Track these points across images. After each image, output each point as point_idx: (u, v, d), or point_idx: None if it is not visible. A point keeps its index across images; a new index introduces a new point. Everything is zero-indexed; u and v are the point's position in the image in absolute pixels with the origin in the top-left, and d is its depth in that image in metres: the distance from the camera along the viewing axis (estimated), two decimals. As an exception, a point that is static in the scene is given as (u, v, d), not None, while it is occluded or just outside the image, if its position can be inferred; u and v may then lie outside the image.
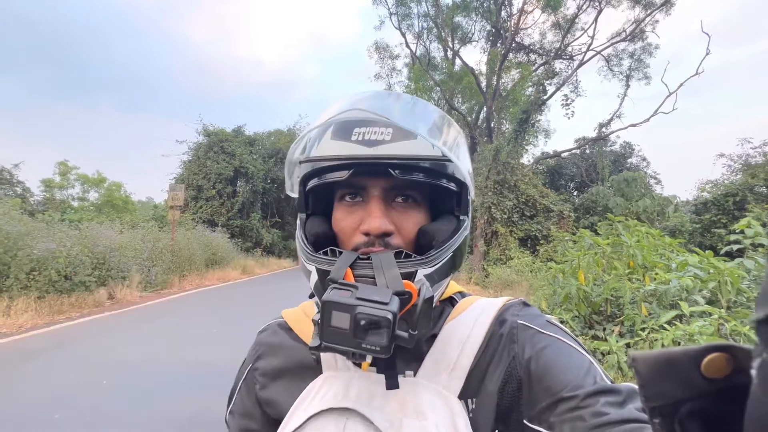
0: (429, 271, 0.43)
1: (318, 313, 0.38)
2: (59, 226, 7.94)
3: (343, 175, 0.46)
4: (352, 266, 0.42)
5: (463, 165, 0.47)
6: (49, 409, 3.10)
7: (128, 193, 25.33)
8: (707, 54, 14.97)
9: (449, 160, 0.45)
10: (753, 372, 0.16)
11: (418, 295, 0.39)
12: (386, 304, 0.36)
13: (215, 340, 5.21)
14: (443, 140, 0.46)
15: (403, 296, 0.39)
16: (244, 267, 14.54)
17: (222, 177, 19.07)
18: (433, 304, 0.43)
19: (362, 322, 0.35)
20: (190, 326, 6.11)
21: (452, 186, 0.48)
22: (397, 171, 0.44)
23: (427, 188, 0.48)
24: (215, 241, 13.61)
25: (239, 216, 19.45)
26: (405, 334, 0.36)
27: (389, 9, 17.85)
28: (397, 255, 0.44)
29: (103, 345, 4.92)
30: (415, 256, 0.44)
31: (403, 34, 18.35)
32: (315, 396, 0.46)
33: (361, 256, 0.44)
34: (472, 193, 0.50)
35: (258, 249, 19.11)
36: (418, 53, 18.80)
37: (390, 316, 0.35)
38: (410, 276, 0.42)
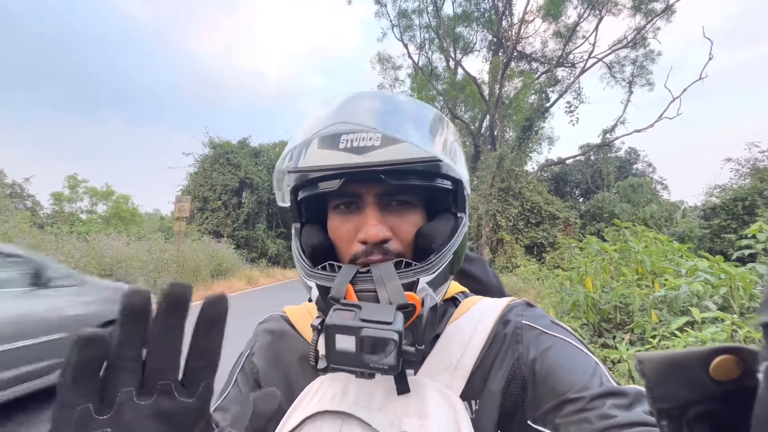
0: (431, 277, 0.43)
1: (319, 322, 0.38)
2: (68, 238, 8.05)
3: (334, 185, 0.45)
4: (352, 281, 0.42)
5: (456, 162, 0.46)
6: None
7: (135, 206, 25.70)
8: (710, 59, 14.99)
9: (441, 160, 0.44)
10: (760, 375, 0.16)
11: (423, 305, 0.39)
12: (390, 323, 0.35)
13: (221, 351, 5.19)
14: (434, 140, 0.45)
15: (407, 309, 0.38)
16: (250, 277, 14.55)
17: (227, 188, 19.27)
18: (437, 309, 0.42)
19: (368, 344, 0.35)
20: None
21: (447, 185, 0.47)
22: (389, 176, 0.43)
23: (423, 189, 0.47)
24: (221, 252, 13.67)
25: (244, 227, 19.57)
26: (412, 350, 0.36)
27: (391, 21, 18.17)
28: (398, 264, 0.43)
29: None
30: (415, 264, 0.43)
31: (406, 45, 18.64)
32: (312, 398, 0.45)
33: (360, 270, 0.43)
34: (468, 190, 0.50)
35: (263, 259, 19.16)
36: (420, 63, 19.05)
37: (396, 337, 0.34)
38: (412, 285, 0.41)
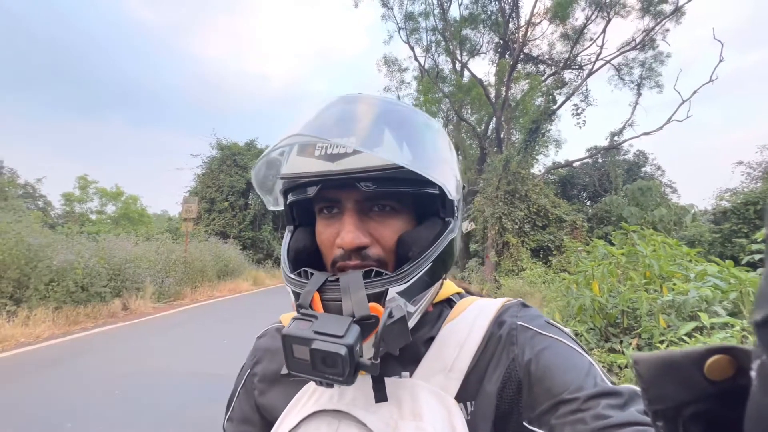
0: (402, 287, 0.42)
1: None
2: (78, 238, 8.17)
3: (311, 191, 0.45)
4: (321, 289, 0.42)
5: (436, 167, 0.44)
6: (62, 418, 3.14)
7: (144, 206, 26.03)
8: (720, 61, 14.77)
9: (403, 167, 0.42)
10: (752, 374, 0.16)
11: (389, 316, 0.39)
12: (341, 336, 0.36)
13: (226, 351, 5.23)
14: (413, 145, 0.43)
15: (369, 320, 0.38)
16: (255, 278, 14.64)
17: (234, 189, 19.43)
18: (410, 321, 0.42)
19: (318, 356, 0.36)
20: (202, 337, 6.15)
21: (429, 189, 0.46)
22: (364, 183, 0.43)
23: (406, 195, 0.47)
24: (227, 253, 13.77)
25: (251, 228, 19.70)
26: (368, 363, 0.36)
27: (398, 24, 18.21)
28: (369, 272, 0.43)
29: (116, 355, 4.98)
30: (386, 274, 0.42)
31: (412, 48, 18.65)
32: (309, 398, 0.46)
33: (330, 278, 0.43)
34: (452, 195, 0.47)
35: (269, 260, 19.26)
36: (426, 66, 19.03)
37: (343, 351, 0.35)
38: (381, 295, 0.41)
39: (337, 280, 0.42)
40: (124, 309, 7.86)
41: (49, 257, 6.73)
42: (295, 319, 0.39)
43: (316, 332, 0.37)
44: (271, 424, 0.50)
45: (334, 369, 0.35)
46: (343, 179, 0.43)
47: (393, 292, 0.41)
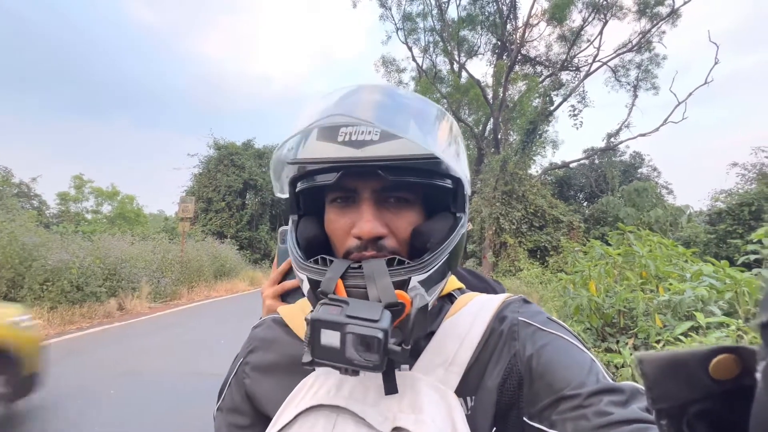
0: (423, 276, 0.42)
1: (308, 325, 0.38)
2: (73, 238, 8.12)
3: (331, 178, 0.44)
4: (343, 276, 0.41)
5: (457, 160, 0.45)
6: (59, 419, 3.11)
7: (140, 206, 25.88)
8: (716, 63, 14.90)
9: (439, 158, 0.43)
10: (758, 375, 0.16)
11: (412, 305, 0.38)
12: (376, 321, 0.35)
13: (223, 350, 5.21)
14: (435, 136, 0.44)
15: (396, 307, 0.38)
16: (252, 278, 14.60)
17: (231, 189, 19.37)
18: (429, 309, 0.42)
19: (353, 341, 0.35)
20: (199, 337, 6.13)
21: (447, 183, 0.46)
22: (387, 172, 0.43)
23: (422, 186, 0.47)
24: (224, 253, 13.73)
25: (248, 228, 19.65)
26: (398, 349, 0.36)
27: (396, 24, 18.23)
28: (390, 261, 0.43)
29: (111, 355, 4.95)
30: (408, 263, 0.42)
31: (410, 49, 18.67)
32: (307, 392, 0.45)
33: (352, 265, 0.42)
34: (467, 189, 0.48)
35: (266, 260, 19.20)
36: (424, 66, 19.05)
37: (380, 335, 0.34)
38: (404, 283, 0.41)
39: (360, 267, 0.42)
40: (119, 309, 7.81)
41: (44, 257, 6.68)
42: (321, 304, 0.38)
43: (349, 316, 0.36)
44: (261, 414, 0.49)
45: (369, 354, 0.34)
46: (368, 167, 0.43)
47: (415, 280, 0.41)
